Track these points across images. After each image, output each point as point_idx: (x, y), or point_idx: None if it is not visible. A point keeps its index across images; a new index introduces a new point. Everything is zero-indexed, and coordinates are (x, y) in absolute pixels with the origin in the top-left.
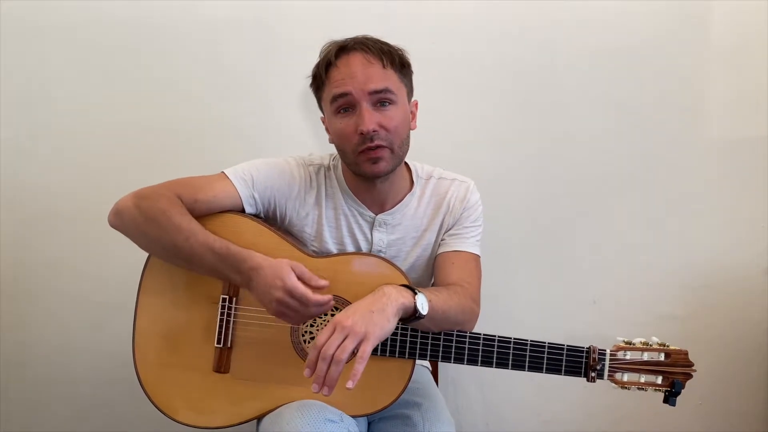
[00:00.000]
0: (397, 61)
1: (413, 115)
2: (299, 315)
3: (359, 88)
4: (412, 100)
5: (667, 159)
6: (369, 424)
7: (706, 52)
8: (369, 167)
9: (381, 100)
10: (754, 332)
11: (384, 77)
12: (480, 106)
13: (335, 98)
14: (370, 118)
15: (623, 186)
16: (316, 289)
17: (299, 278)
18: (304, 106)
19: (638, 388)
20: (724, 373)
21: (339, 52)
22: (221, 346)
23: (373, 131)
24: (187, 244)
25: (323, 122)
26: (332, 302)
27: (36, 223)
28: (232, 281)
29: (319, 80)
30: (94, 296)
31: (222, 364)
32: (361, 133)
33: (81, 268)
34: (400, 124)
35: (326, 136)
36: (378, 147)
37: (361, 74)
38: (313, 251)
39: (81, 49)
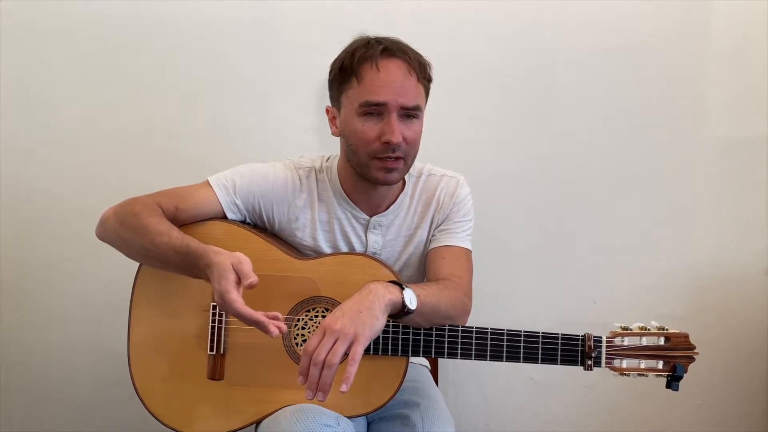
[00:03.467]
0: (426, 74)
1: None
2: (236, 317)
3: (394, 100)
4: None
5: (667, 159)
6: (368, 424)
7: (706, 52)
8: (382, 175)
9: (409, 114)
10: (754, 332)
11: (417, 93)
12: (480, 105)
13: (368, 104)
14: (398, 130)
15: (623, 186)
16: (249, 287)
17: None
18: (304, 107)
19: (639, 375)
20: (724, 374)
21: (383, 53)
22: (214, 353)
23: (398, 143)
24: (152, 245)
25: (328, 113)
26: (260, 322)
27: (36, 223)
28: (198, 277)
29: (348, 74)
30: (94, 296)
31: (216, 371)
32: (386, 143)
33: (81, 267)
34: (418, 138)
35: (327, 137)
36: (397, 158)
37: (400, 86)
38: (308, 254)
39: (81, 49)
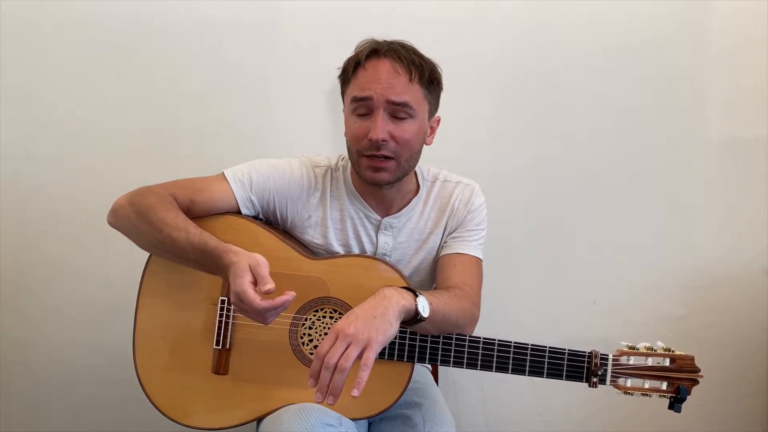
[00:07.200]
0: (426, 76)
1: (432, 130)
2: (254, 317)
3: (380, 94)
4: (435, 116)
5: (667, 159)
6: (369, 424)
7: (706, 52)
8: (370, 174)
9: (398, 111)
10: (754, 332)
11: (407, 90)
12: (480, 106)
13: (355, 99)
14: (382, 127)
15: (623, 186)
16: (267, 294)
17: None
18: (305, 106)
19: (642, 394)
20: (724, 374)
21: (370, 54)
22: (220, 347)
23: (382, 140)
24: (169, 239)
25: (344, 113)
26: (283, 304)
27: (36, 223)
28: (214, 273)
29: (346, 76)
30: (95, 296)
31: (221, 366)
32: (370, 140)
33: (81, 267)
34: (411, 139)
35: (329, 137)
36: (383, 157)
37: (385, 81)
38: (318, 253)
39: (81, 50)
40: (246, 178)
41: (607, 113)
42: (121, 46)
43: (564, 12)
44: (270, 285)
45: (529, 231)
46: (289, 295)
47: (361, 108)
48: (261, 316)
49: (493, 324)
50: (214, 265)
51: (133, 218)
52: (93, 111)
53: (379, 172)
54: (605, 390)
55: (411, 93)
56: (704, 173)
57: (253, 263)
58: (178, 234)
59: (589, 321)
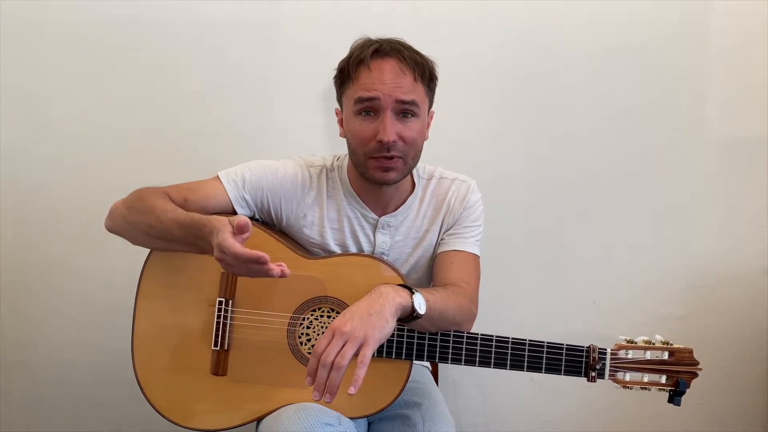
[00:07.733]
0: (427, 74)
1: (428, 125)
2: (242, 271)
3: (388, 95)
4: (430, 111)
5: (667, 159)
6: (369, 424)
7: (706, 52)
8: (380, 174)
9: (405, 111)
10: (754, 332)
11: (413, 89)
12: (480, 106)
13: (361, 100)
14: (391, 128)
15: (623, 186)
16: (239, 233)
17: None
18: (305, 107)
19: (641, 388)
20: (724, 373)
21: (374, 54)
22: (218, 348)
23: (393, 142)
24: (158, 223)
25: (337, 114)
26: (263, 259)
27: (36, 223)
28: (205, 251)
29: (346, 76)
30: (95, 296)
31: (219, 367)
32: (380, 142)
33: (81, 267)
34: (417, 137)
35: (329, 137)
36: (393, 157)
37: (392, 82)
38: (315, 252)
39: (81, 50)
40: (239, 178)
41: (607, 113)
42: (121, 46)
43: (564, 12)
44: (239, 219)
45: (529, 231)
46: (280, 268)
47: (366, 109)
48: (243, 264)
49: (492, 324)
50: (200, 237)
51: (126, 213)
52: (93, 111)
53: (389, 172)
54: (605, 391)
55: (417, 92)
56: (704, 173)
57: (232, 218)
58: (165, 215)
59: (589, 321)
